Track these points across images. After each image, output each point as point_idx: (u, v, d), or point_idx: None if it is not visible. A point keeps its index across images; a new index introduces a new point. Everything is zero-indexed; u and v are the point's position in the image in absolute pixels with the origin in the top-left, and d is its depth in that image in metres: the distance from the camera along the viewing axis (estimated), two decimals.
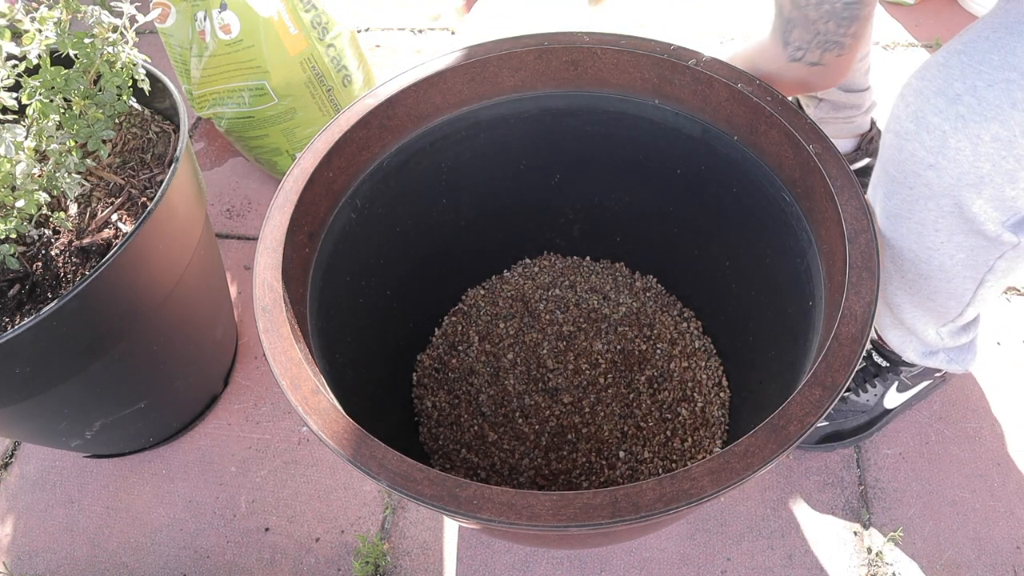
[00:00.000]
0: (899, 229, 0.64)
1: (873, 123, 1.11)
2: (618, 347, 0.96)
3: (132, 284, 0.75)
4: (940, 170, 0.57)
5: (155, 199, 0.75)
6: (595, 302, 1.01)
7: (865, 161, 1.11)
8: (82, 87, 0.75)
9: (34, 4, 0.75)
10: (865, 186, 0.75)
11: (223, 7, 1.02)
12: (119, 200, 0.81)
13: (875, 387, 0.89)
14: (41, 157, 0.80)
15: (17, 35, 0.75)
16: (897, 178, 0.61)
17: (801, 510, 0.89)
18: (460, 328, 1.00)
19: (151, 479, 0.99)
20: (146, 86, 0.81)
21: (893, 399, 0.90)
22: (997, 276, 0.65)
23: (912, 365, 0.86)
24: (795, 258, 0.72)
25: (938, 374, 0.90)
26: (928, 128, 0.56)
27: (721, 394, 0.92)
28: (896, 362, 0.87)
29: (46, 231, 0.78)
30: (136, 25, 0.78)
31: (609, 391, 0.93)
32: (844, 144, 1.11)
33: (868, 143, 1.10)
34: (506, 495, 0.50)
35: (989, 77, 0.52)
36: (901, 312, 0.75)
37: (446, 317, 1.02)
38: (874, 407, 0.90)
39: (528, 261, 1.06)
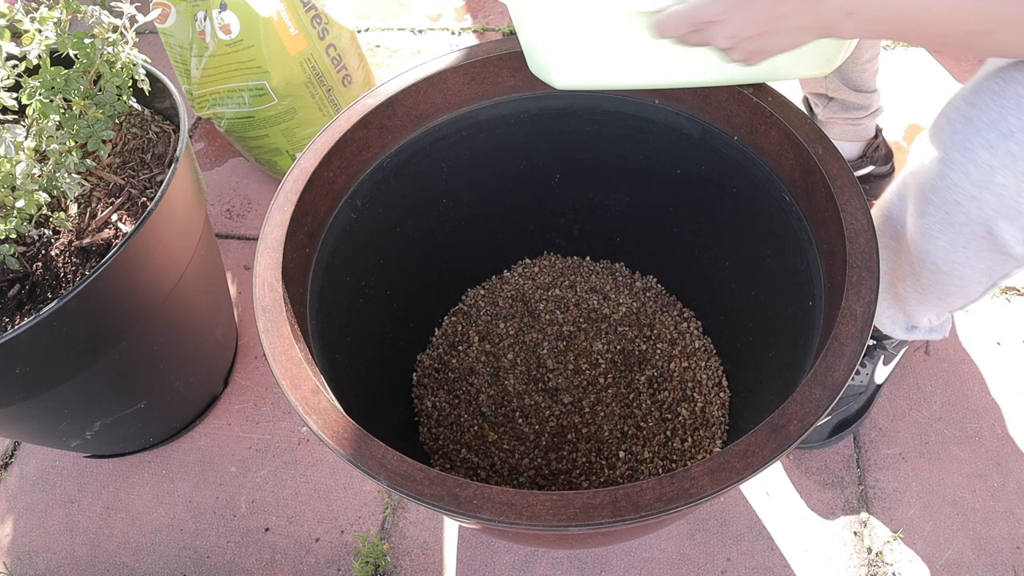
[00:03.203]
0: (926, 245, 0.65)
1: (878, 130, 1.11)
2: (618, 347, 0.96)
3: (132, 284, 0.75)
4: (982, 202, 0.56)
5: (155, 199, 0.75)
6: (595, 302, 1.01)
7: (869, 168, 1.11)
8: (82, 87, 0.75)
9: (34, 4, 0.75)
10: (865, 189, 0.75)
11: (223, 7, 1.02)
12: (119, 200, 0.81)
13: (865, 367, 0.92)
14: (41, 157, 0.80)
15: (17, 35, 0.75)
16: (934, 201, 0.60)
17: (801, 510, 0.89)
18: (460, 328, 1.00)
19: (151, 479, 0.99)
20: (146, 86, 0.81)
21: (882, 373, 0.93)
22: (1009, 280, 0.67)
23: (893, 338, 0.90)
24: (795, 258, 0.72)
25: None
26: (976, 162, 0.55)
27: (721, 394, 0.92)
28: (881, 338, 0.90)
29: (46, 231, 0.78)
30: (136, 25, 0.78)
31: (609, 391, 0.93)
32: (849, 149, 1.11)
33: (873, 151, 1.11)
34: (506, 495, 0.50)
35: None
36: (907, 304, 0.77)
37: (446, 317, 1.02)
38: (868, 386, 0.93)
39: (528, 261, 1.06)
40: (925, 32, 0.48)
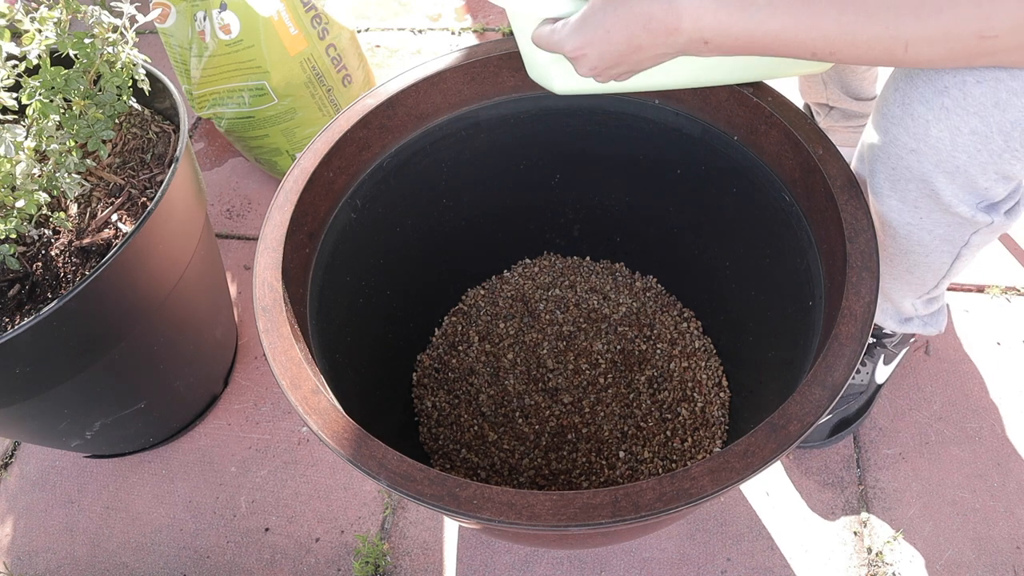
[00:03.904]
0: (880, 207, 0.67)
1: None
2: (618, 347, 0.96)
3: (132, 284, 0.75)
4: (920, 155, 0.59)
5: (155, 199, 0.75)
6: (595, 302, 1.01)
7: None
8: (82, 87, 0.75)
9: (34, 4, 0.75)
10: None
11: (223, 7, 1.02)
12: (119, 200, 0.81)
13: (866, 365, 0.92)
14: (41, 157, 0.80)
15: (17, 35, 0.75)
16: (880, 157, 0.63)
17: (801, 510, 0.89)
18: (460, 328, 1.00)
19: (151, 479, 0.99)
20: (146, 86, 0.81)
21: (882, 373, 0.94)
22: (972, 250, 0.68)
23: (892, 335, 0.90)
24: (795, 258, 0.72)
25: (912, 339, 0.95)
26: (913, 115, 0.58)
27: (721, 394, 0.92)
28: (880, 335, 0.90)
29: (46, 231, 0.78)
30: (136, 25, 0.78)
31: (609, 391, 0.93)
32: (851, 154, 1.11)
33: None
34: (506, 495, 0.50)
35: (979, 74, 0.53)
36: (883, 282, 0.78)
37: (446, 317, 1.02)
38: (868, 385, 0.93)
39: (528, 261, 1.06)
40: (777, 53, 0.51)
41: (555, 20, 0.58)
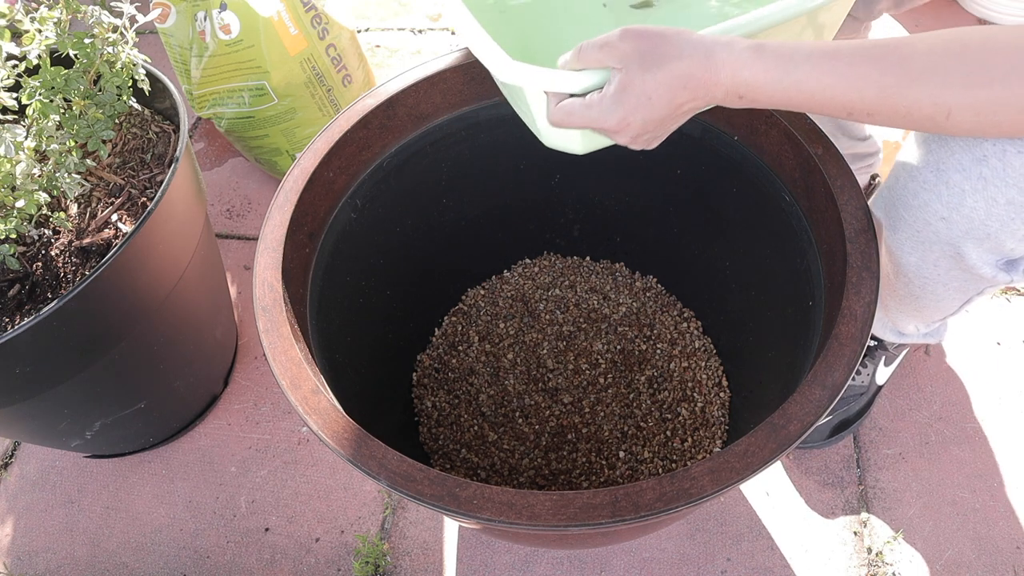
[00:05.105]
0: (899, 259, 0.66)
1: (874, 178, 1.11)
2: (618, 347, 0.96)
3: (132, 284, 0.75)
4: (951, 223, 0.57)
5: (155, 199, 0.75)
6: (595, 302, 1.01)
7: None
8: (82, 87, 0.75)
9: (34, 4, 0.75)
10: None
11: (223, 7, 1.02)
12: (119, 200, 0.81)
13: (867, 367, 0.92)
14: (41, 157, 0.80)
15: (17, 35, 0.75)
16: (905, 219, 0.61)
17: (801, 510, 0.89)
18: (460, 328, 1.00)
19: (151, 479, 0.99)
20: (146, 86, 0.81)
21: (883, 374, 0.94)
22: (984, 296, 0.68)
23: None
24: (795, 258, 0.72)
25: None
26: (948, 183, 0.56)
27: (721, 394, 0.92)
28: (881, 340, 0.90)
29: (46, 231, 0.78)
30: (136, 25, 0.78)
31: (609, 391, 0.93)
32: None
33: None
34: (506, 495, 0.50)
35: (1020, 144, 0.51)
36: (889, 311, 0.79)
37: (446, 317, 1.02)
38: (869, 386, 0.93)
39: (528, 261, 1.06)
40: (811, 110, 0.50)
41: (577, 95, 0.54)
